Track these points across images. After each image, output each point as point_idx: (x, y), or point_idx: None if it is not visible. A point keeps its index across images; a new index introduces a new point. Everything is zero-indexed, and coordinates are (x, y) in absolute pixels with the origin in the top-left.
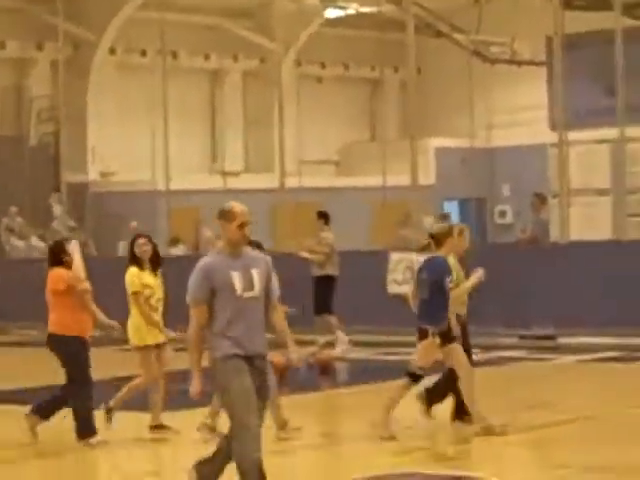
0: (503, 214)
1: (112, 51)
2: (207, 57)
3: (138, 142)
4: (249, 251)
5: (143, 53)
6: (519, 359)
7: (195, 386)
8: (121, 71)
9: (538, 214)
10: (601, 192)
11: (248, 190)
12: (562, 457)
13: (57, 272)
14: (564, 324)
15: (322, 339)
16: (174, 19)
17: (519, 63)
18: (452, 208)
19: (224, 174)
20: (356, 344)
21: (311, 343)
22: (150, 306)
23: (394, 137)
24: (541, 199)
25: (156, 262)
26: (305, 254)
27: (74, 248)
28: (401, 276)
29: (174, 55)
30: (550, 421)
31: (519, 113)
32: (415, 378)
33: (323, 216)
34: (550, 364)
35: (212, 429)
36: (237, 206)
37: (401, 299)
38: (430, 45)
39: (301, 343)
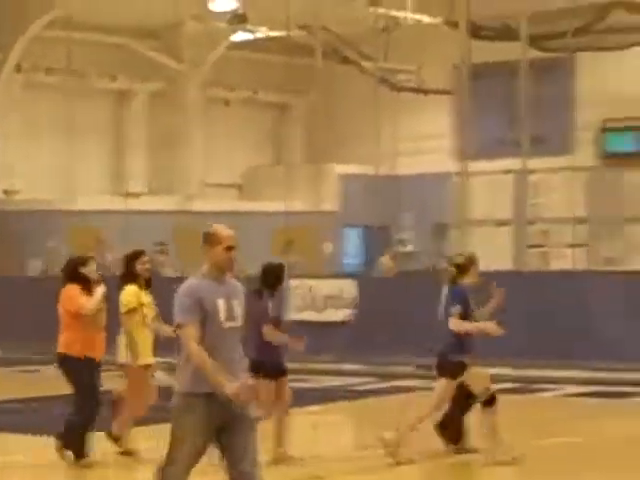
0: (404, 242)
1: (18, 69)
2: (114, 78)
3: (43, 161)
4: (228, 278)
5: (49, 72)
6: (413, 388)
7: (232, 387)
8: (27, 89)
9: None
10: (502, 222)
11: (150, 212)
12: None
13: (72, 290)
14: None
15: None
16: (82, 38)
17: (425, 92)
18: (355, 235)
19: (127, 195)
20: None
21: None
22: (146, 325)
23: (299, 162)
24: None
25: (149, 281)
26: None
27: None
28: (300, 302)
29: (81, 74)
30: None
31: (424, 141)
32: (488, 402)
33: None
34: None
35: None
36: (222, 229)
37: (300, 325)
38: (337, 71)
39: None
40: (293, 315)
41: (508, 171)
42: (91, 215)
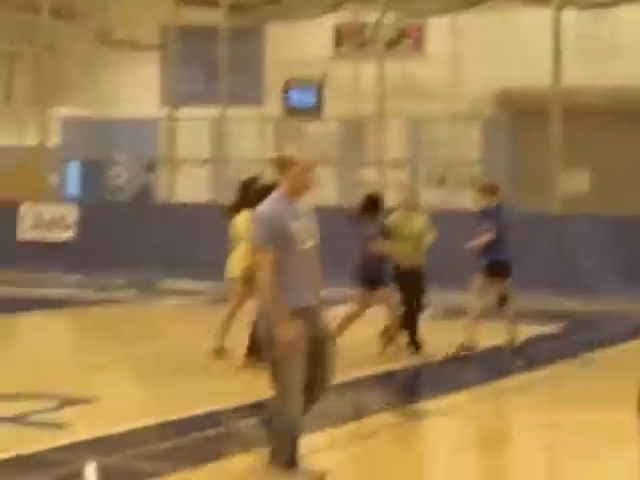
0: (117, 176)
1: None
2: None
3: None
4: (301, 200)
5: None
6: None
7: (286, 330)
8: None
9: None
10: (203, 161)
11: None
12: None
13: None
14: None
15: None
16: None
17: (136, 47)
18: (75, 168)
19: None
20: None
21: None
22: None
23: (26, 103)
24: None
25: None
26: None
27: None
28: (31, 223)
29: None
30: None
31: (136, 90)
32: None
33: None
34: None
35: None
36: (299, 153)
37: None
38: (62, 26)
39: None
40: (24, 235)
41: (208, 118)
42: None
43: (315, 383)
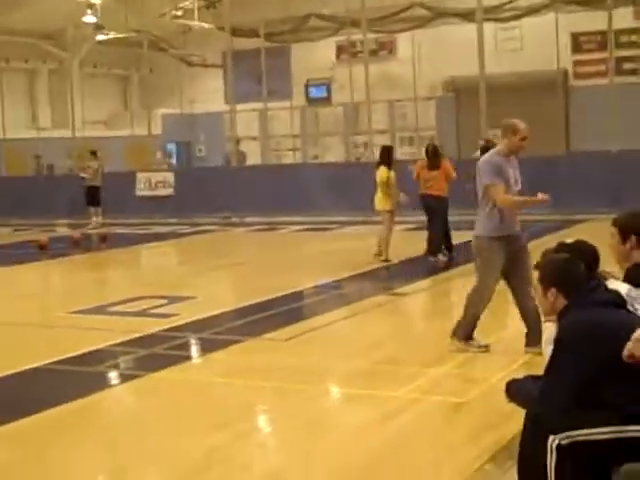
0: (200, 151)
1: None
2: (26, 61)
3: None
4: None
5: None
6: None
7: (530, 203)
8: None
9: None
10: (254, 138)
11: (53, 138)
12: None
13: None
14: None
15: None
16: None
17: (207, 66)
18: (171, 147)
19: (39, 129)
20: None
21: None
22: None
23: (138, 107)
24: None
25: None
26: (83, 174)
27: None
28: (143, 186)
29: (6, 60)
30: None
31: (208, 95)
32: None
33: (93, 152)
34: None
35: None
36: (520, 123)
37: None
38: (157, 55)
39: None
40: (140, 193)
41: (256, 110)
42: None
43: (521, 282)
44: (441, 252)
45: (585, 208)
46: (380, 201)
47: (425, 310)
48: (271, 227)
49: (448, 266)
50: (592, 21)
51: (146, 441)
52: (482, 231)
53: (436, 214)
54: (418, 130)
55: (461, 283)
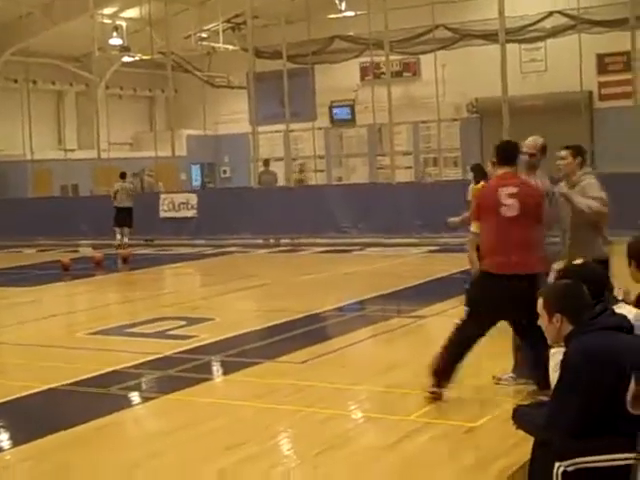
0: (225, 172)
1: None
2: (54, 83)
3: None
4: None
5: (15, 81)
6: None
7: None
8: (4, 92)
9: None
10: (278, 159)
11: (79, 159)
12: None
13: None
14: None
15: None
16: (35, 60)
17: (232, 87)
18: (196, 168)
19: (65, 150)
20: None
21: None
22: None
23: (163, 129)
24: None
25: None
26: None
27: None
28: (167, 207)
29: (34, 81)
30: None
31: (232, 116)
32: None
33: (122, 175)
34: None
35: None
36: (527, 140)
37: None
38: (182, 77)
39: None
40: (164, 214)
41: (279, 131)
42: (44, 163)
43: None
44: None
45: (610, 230)
46: None
47: (445, 334)
48: (293, 249)
49: None
50: (617, 42)
51: (161, 462)
52: None
53: None
54: (442, 151)
55: None
